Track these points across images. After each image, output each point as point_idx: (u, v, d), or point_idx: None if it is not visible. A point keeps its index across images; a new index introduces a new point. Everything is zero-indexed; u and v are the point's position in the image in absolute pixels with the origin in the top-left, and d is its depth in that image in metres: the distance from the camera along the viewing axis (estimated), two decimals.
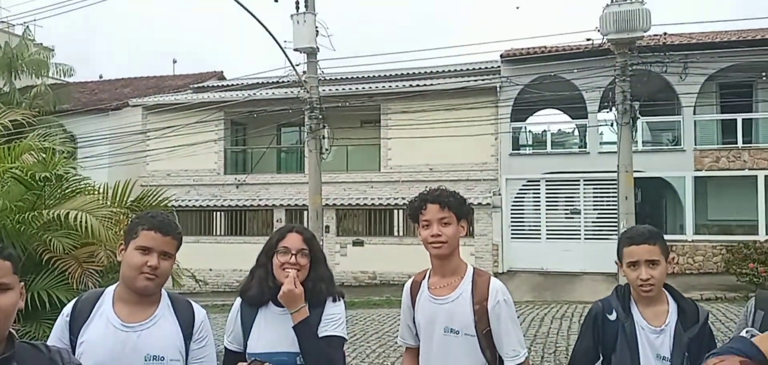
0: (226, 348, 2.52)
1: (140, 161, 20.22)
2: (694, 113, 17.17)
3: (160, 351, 2.21)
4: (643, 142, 17.70)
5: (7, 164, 5.84)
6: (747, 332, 1.81)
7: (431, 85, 18.70)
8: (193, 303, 2.39)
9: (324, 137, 15.16)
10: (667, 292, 2.52)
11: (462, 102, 17.88)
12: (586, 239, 17.47)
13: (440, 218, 2.49)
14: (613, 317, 2.51)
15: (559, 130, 21.16)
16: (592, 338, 2.55)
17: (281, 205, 19.36)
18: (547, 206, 17.90)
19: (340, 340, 2.46)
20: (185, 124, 19.44)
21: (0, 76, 21.05)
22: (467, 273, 2.55)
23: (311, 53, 14.59)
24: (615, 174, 14.34)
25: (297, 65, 14.85)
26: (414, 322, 2.67)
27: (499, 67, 18.59)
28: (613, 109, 14.12)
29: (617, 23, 12.98)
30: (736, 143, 16.84)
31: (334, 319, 2.46)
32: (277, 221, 19.09)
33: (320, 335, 2.41)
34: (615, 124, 14.08)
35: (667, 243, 2.52)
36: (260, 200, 19.69)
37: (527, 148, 19.88)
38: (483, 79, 18.66)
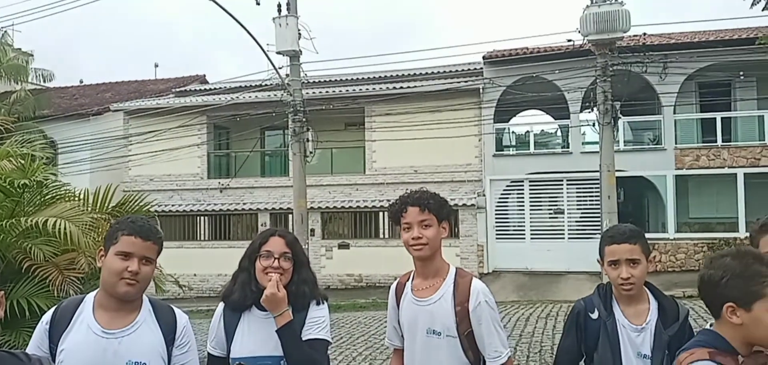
0: (208, 353, 2.51)
1: (122, 166, 20.03)
2: (674, 113, 17.39)
3: (142, 357, 2.19)
4: (624, 141, 17.90)
5: None
6: (711, 324, 1.85)
7: (415, 87, 18.75)
8: (175, 309, 2.38)
9: (308, 140, 15.14)
10: (648, 291, 2.54)
11: (445, 104, 17.94)
12: (569, 238, 17.60)
13: (420, 221, 2.49)
14: (595, 315, 2.54)
15: (542, 130, 21.32)
16: (575, 336, 2.57)
17: (266, 209, 19.27)
18: (530, 206, 18.01)
19: (325, 343, 2.46)
20: (168, 128, 19.30)
21: None
22: (449, 275, 2.55)
23: (294, 56, 14.57)
24: (597, 174, 14.48)
25: (280, 68, 14.82)
26: (399, 323, 2.67)
27: (481, 68, 18.69)
28: (595, 109, 14.27)
29: (597, 24, 13.12)
30: (716, 142, 17.09)
31: (317, 322, 2.46)
32: (262, 225, 18.99)
33: (304, 338, 2.40)
34: (597, 124, 14.23)
35: (649, 242, 2.55)
36: (244, 204, 19.59)
37: (511, 149, 20.00)
38: (466, 81, 18.74)
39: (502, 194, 18.17)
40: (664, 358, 2.37)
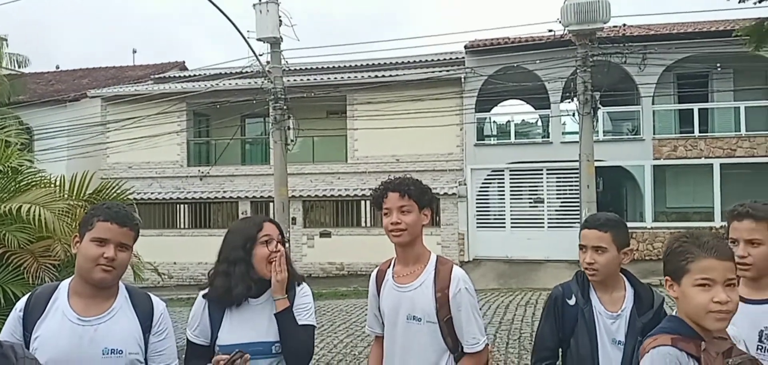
0: (189, 340, 2.47)
1: (100, 153, 19.76)
2: (653, 103, 17.60)
3: (118, 344, 2.17)
4: (603, 132, 18.08)
5: None
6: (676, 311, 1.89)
7: (397, 76, 18.73)
8: (152, 296, 2.36)
9: (289, 128, 15.05)
10: (625, 278, 2.58)
11: (427, 93, 17.96)
12: (549, 227, 17.79)
13: (400, 207, 2.50)
14: (572, 302, 2.57)
15: (523, 120, 21.45)
16: (554, 321, 2.60)
17: (246, 197, 19.17)
18: (511, 195, 18.15)
19: (312, 328, 2.49)
20: (146, 115, 19.06)
21: None
22: (430, 261, 2.56)
23: (275, 43, 14.46)
24: (577, 163, 14.61)
25: (260, 55, 14.70)
26: (380, 310, 2.69)
27: (463, 58, 18.72)
28: (575, 99, 14.38)
29: (578, 15, 13.20)
30: (693, 133, 17.35)
31: (305, 308, 2.48)
32: (242, 213, 18.89)
33: None
34: (577, 114, 14.34)
35: (629, 231, 2.58)
36: (225, 192, 19.46)
37: (492, 138, 20.10)
38: (448, 71, 18.76)
39: (483, 183, 18.28)
40: (637, 345, 2.40)
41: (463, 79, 18.08)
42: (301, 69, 20.24)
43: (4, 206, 5.35)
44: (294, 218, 18.09)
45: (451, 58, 19.85)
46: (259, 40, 14.19)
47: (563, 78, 16.82)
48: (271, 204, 17.33)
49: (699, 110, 17.50)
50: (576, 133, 15.78)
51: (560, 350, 2.63)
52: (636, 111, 17.93)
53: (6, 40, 22.63)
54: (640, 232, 16.80)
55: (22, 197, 5.54)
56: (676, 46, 17.00)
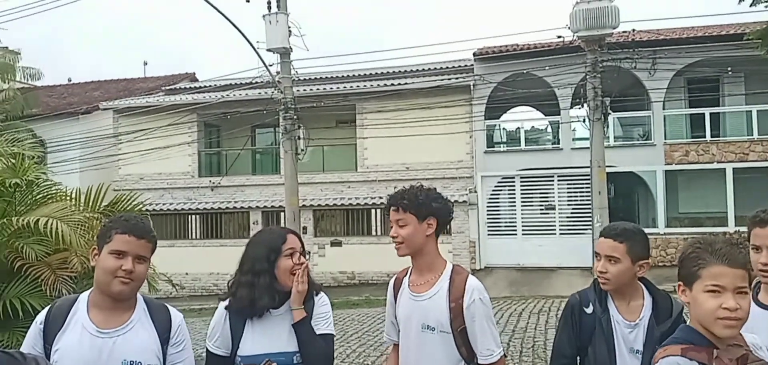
0: (209, 350, 2.48)
1: (112, 165, 19.91)
2: (664, 108, 17.49)
3: (137, 356, 2.19)
4: (614, 137, 17.99)
5: None
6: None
7: (406, 84, 18.75)
8: (170, 307, 2.37)
9: (299, 138, 15.12)
10: (644, 286, 2.56)
11: (436, 101, 17.96)
12: (561, 234, 17.69)
13: (396, 220, 2.55)
14: (589, 310, 2.56)
15: (533, 127, 21.39)
16: (572, 329, 2.59)
17: (257, 207, 19.23)
18: (522, 202, 18.08)
19: (331, 337, 2.51)
20: (157, 126, 19.21)
21: None
22: (445, 271, 2.56)
23: (284, 53, 14.55)
24: (588, 169, 14.55)
25: (270, 66, 14.79)
26: (396, 319, 2.69)
27: (472, 65, 18.72)
28: (585, 105, 14.33)
29: (587, 20, 13.20)
30: (705, 137, 17.21)
31: (324, 317, 2.50)
32: (254, 223, 18.96)
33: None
34: (587, 120, 14.29)
35: (648, 244, 2.56)
36: (236, 202, 19.53)
37: (501, 145, 20.06)
38: (457, 78, 18.76)
39: (493, 190, 18.23)
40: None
41: (472, 87, 18.07)
42: (310, 79, 20.32)
43: (23, 219, 5.41)
44: (305, 228, 18.11)
45: (460, 66, 19.85)
46: (269, 50, 14.30)
47: (573, 84, 16.77)
48: (281, 214, 17.38)
49: (710, 114, 17.37)
50: (586, 139, 15.72)
51: (578, 358, 2.61)
52: (647, 116, 17.82)
53: (19, 54, 22.90)
54: (653, 238, 16.64)
55: (40, 210, 5.60)
56: (686, 51, 16.90)
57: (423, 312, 2.52)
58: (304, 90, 18.28)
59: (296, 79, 16.05)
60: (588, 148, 14.60)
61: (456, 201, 17.56)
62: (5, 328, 4.99)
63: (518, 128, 19.96)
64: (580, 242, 16.50)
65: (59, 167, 16.01)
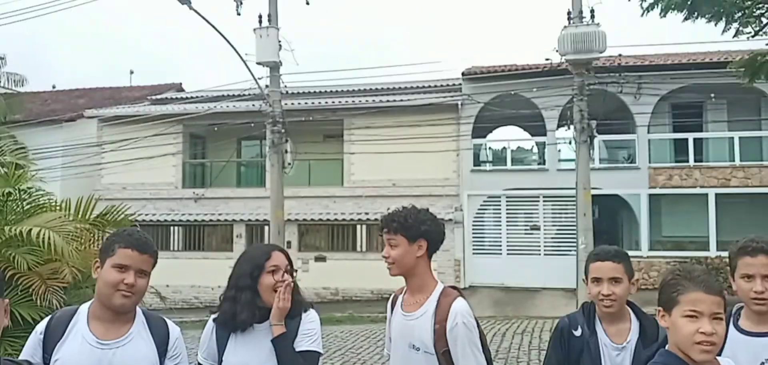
0: (198, 362, 2.55)
1: (95, 174, 19.67)
2: (648, 132, 17.69)
3: None
4: (600, 160, 18.13)
5: None
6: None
7: (394, 101, 18.79)
8: (168, 321, 2.43)
9: (286, 151, 15.05)
10: (631, 310, 2.61)
11: (424, 118, 18.00)
12: (545, 254, 17.74)
13: (388, 240, 2.59)
14: (578, 333, 2.60)
15: (519, 147, 21.50)
16: (560, 352, 2.63)
17: (241, 220, 19.08)
18: (507, 221, 18.13)
19: (317, 355, 2.52)
20: (142, 136, 19.02)
21: None
22: (435, 292, 2.58)
23: (274, 67, 14.52)
24: (573, 191, 14.61)
25: (259, 79, 14.74)
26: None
27: (460, 84, 18.83)
28: (571, 127, 14.43)
29: (575, 44, 13.31)
30: (688, 162, 17.42)
31: (310, 334, 2.51)
32: (237, 236, 18.79)
33: (298, 349, 2.45)
34: (573, 142, 14.38)
35: None
36: (220, 214, 19.36)
37: (488, 164, 20.12)
38: (445, 97, 18.84)
39: (479, 209, 18.26)
40: None
41: (459, 106, 18.16)
42: (298, 93, 20.28)
43: (14, 229, 5.40)
44: (289, 242, 17.97)
45: (448, 85, 19.95)
46: (258, 63, 14.26)
47: (559, 106, 16.90)
48: (266, 227, 17.24)
49: (694, 139, 17.59)
50: (572, 160, 15.81)
51: None
52: (632, 140, 18.01)
53: (4, 59, 22.65)
54: (636, 261, 16.69)
55: (32, 220, 5.61)
56: (670, 77, 17.15)
57: (410, 331, 2.56)
58: (293, 104, 18.24)
59: (285, 92, 16.02)
60: (573, 169, 14.68)
61: (442, 219, 17.51)
62: None
63: (504, 147, 20.05)
64: (565, 264, 16.53)
65: (40, 174, 15.77)
